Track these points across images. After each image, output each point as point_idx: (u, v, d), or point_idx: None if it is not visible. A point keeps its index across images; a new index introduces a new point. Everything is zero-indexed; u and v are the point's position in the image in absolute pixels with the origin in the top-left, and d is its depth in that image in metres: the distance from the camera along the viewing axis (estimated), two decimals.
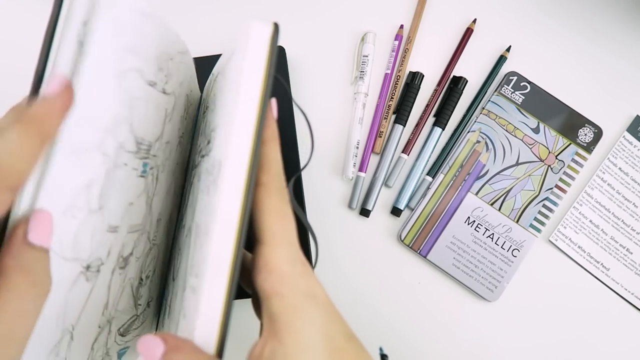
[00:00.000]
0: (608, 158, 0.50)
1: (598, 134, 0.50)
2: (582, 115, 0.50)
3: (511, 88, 0.50)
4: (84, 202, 0.25)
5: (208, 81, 0.36)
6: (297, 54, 0.49)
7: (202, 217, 0.28)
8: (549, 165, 0.49)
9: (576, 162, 0.50)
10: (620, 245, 0.50)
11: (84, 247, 0.26)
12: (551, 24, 0.52)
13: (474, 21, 0.51)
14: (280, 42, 0.48)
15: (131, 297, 0.33)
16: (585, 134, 0.50)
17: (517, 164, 0.49)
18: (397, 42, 0.51)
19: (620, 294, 0.49)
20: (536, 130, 0.50)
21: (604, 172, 0.50)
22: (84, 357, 0.29)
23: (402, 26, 0.51)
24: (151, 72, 0.29)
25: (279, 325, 0.26)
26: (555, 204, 0.49)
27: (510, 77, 0.50)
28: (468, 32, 0.51)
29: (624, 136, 0.50)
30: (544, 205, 0.49)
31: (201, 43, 0.50)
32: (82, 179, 0.25)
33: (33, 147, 0.22)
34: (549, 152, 0.50)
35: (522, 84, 0.50)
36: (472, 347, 0.49)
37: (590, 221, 0.50)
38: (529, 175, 0.49)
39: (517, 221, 0.49)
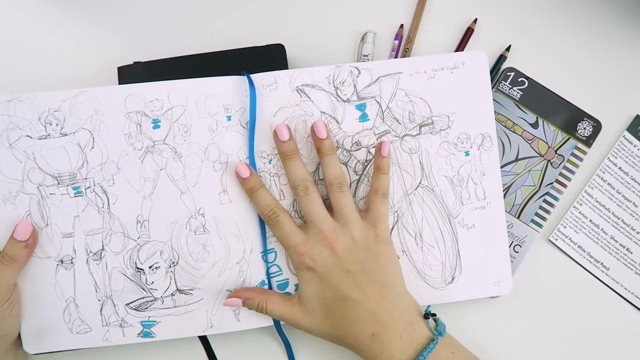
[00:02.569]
0: (608, 157, 0.50)
1: (597, 127, 0.50)
2: (580, 110, 0.50)
3: (509, 84, 0.50)
4: (34, 222, 0.43)
5: (371, 84, 0.47)
6: (297, 53, 0.49)
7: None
8: (549, 160, 0.50)
9: (576, 156, 0.50)
10: (620, 244, 0.50)
11: (48, 249, 0.44)
12: (550, 23, 0.52)
13: (475, 21, 0.51)
14: (280, 41, 0.49)
15: (130, 282, 0.45)
16: (584, 128, 0.50)
17: (517, 159, 0.50)
18: (397, 42, 0.51)
19: (620, 293, 0.49)
20: (535, 126, 0.50)
21: (604, 172, 0.50)
22: (97, 318, 0.44)
23: (402, 26, 0.52)
24: (39, 129, 0.43)
25: None
26: (556, 198, 0.49)
27: (508, 73, 0.51)
28: (469, 31, 0.51)
29: (624, 135, 0.50)
30: (544, 201, 0.49)
31: (215, 38, 0.51)
32: (21, 212, 0.43)
33: (10, 274, 0.42)
34: (549, 147, 0.50)
35: (519, 80, 0.50)
36: (471, 343, 0.48)
37: (590, 221, 0.50)
38: (529, 170, 0.49)
39: (518, 217, 0.49)
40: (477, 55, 0.47)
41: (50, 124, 0.44)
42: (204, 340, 0.48)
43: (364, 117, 0.46)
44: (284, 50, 0.48)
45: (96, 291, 0.44)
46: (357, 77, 0.46)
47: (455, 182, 0.46)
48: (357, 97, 0.46)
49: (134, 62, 0.48)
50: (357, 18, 0.52)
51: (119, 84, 0.48)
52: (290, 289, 0.46)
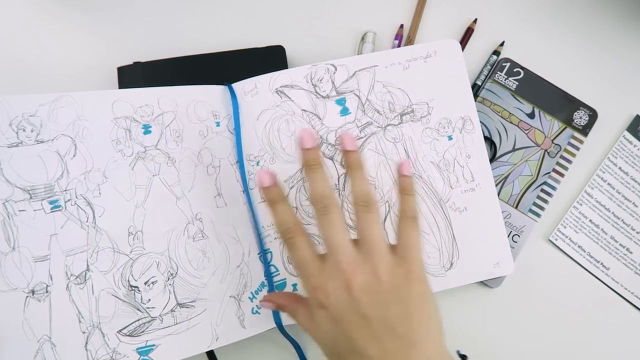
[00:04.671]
0: (608, 157, 0.50)
1: (593, 116, 0.50)
2: (576, 99, 0.50)
3: (504, 74, 0.50)
4: None
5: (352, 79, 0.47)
6: (297, 53, 0.49)
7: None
8: (546, 150, 0.50)
9: (572, 145, 0.50)
10: (620, 244, 0.50)
11: (14, 279, 0.37)
12: (551, 23, 0.52)
13: (475, 21, 0.51)
14: (280, 41, 0.49)
15: (122, 303, 0.40)
16: (581, 117, 0.50)
17: (514, 149, 0.50)
18: (397, 42, 0.51)
19: (620, 293, 0.49)
20: (531, 116, 0.50)
21: (603, 172, 0.50)
22: (80, 355, 0.38)
23: (402, 26, 0.52)
24: (9, 136, 0.38)
25: None
26: (553, 188, 0.49)
27: (504, 64, 0.50)
28: (469, 31, 0.51)
29: (623, 135, 0.50)
30: (542, 190, 0.49)
31: (215, 39, 0.51)
32: None
33: None
34: (545, 137, 0.50)
35: (515, 70, 0.50)
36: (471, 343, 0.48)
37: (590, 221, 0.50)
38: (526, 160, 0.49)
39: (516, 207, 0.49)
40: (448, 44, 0.48)
41: (24, 130, 0.39)
42: None
43: (344, 111, 0.47)
44: (284, 51, 0.48)
45: (80, 322, 0.38)
46: (334, 73, 0.47)
47: (442, 167, 0.47)
48: (336, 92, 0.47)
49: (134, 62, 0.48)
50: (357, 18, 0.52)
51: (119, 84, 0.48)
52: (288, 289, 0.45)
